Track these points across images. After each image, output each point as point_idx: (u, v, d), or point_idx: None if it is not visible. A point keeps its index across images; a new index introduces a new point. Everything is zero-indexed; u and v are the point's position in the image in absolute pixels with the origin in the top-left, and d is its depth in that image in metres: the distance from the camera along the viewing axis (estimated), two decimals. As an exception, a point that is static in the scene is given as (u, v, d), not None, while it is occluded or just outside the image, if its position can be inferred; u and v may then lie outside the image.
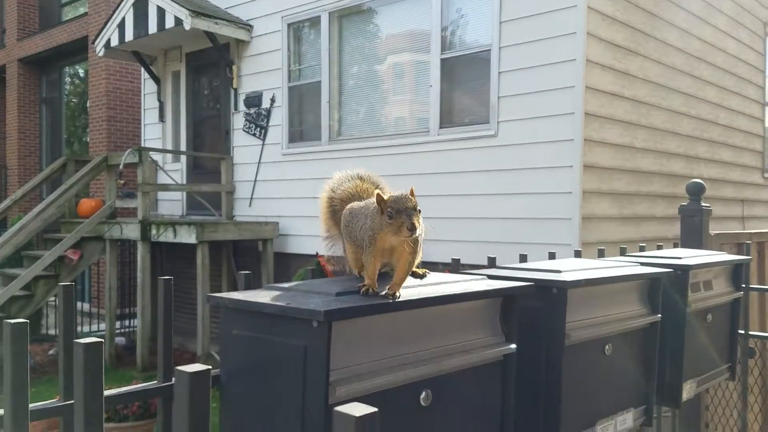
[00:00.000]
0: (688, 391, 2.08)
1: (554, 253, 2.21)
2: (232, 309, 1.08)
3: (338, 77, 7.31)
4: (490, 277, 1.49)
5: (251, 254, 7.96)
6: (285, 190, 7.72)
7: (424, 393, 1.18)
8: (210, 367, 0.99)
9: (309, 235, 7.45)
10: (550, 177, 5.53)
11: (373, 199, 1.22)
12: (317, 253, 7.15)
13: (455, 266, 1.84)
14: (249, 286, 1.25)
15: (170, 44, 9.11)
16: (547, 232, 5.48)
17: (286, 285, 1.14)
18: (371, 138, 6.96)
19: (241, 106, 8.20)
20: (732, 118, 7.86)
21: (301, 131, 7.74)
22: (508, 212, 5.78)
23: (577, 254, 2.33)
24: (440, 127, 6.33)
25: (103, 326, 8.76)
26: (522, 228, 5.65)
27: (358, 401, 1.05)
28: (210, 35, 7.92)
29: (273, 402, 1.04)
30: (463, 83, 6.37)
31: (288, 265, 7.55)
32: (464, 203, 6.07)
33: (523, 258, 2.05)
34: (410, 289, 1.19)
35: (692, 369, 2.11)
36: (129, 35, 8.60)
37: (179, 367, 0.95)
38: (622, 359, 1.78)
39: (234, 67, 8.24)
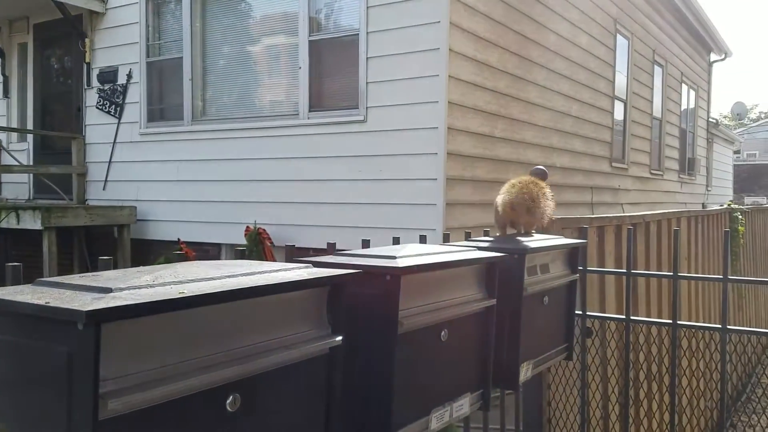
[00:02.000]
0: (524, 372, 2.13)
1: (398, 237, 2.18)
2: (-14, 310, 0.92)
3: (202, 55, 6.96)
4: (316, 264, 1.42)
5: (107, 241, 7.45)
6: (144, 172, 7.27)
7: (231, 397, 1.08)
8: None
9: (171, 220, 7.07)
10: (417, 163, 5.60)
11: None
12: (179, 240, 6.81)
13: (289, 252, 1.75)
14: (19, 280, 1.09)
15: (16, 14, 8.31)
16: (414, 217, 5.55)
17: (59, 279, 0.99)
18: (238, 119, 6.70)
19: (95, 82, 7.61)
20: (583, 111, 8.36)
21: (162, 110, 7.31)
22: (377, 198, 5.79)
23: (422, 239, 2.33)
24: (310, 111, 6.21)
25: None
26: (391, 213, 5.69)
27: (141, 413, 0.93)
28: (60, 5, 7.28)
29: (38, 419, 0.90)
30: (333, 67, 6.28)
31: (148, 253, 7.13)
32: (333, 188, 6.01)
33: (366, 243, 2.00)
34: (214, 281, 1.08)
35: (529, 351, 2.17)
36: (-36, 0, 7.73)
37: None
38: (458, 345, 1.78)
39: (87, 40, 7.63)
